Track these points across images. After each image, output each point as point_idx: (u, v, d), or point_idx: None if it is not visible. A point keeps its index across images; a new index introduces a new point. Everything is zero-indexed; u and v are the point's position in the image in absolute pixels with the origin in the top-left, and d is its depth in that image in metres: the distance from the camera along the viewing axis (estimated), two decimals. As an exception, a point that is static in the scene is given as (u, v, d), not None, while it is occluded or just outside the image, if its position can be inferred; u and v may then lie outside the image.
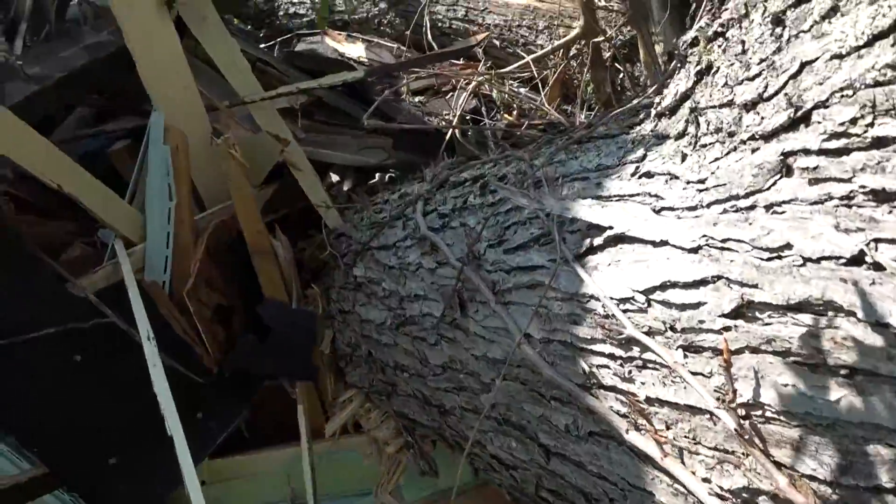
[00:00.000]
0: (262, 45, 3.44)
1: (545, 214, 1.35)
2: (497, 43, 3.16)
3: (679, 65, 1.33)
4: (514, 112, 2.80)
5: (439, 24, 3.28)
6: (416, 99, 2.94)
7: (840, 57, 0.83)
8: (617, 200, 1.21)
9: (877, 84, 0.78)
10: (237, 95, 2.52)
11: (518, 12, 3.10)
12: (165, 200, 2.26)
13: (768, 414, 0.90)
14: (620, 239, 1.15)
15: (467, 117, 2.77)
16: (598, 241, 1.20)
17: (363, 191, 2.71)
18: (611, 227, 1.17)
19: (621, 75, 2.77)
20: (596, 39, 2.68)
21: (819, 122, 0.84)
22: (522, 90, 2.90)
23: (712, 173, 1.03)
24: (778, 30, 0.96)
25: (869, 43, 0.80)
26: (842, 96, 0.82)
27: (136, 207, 2.34)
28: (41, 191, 2.22)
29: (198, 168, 2.40)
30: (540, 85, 2.84)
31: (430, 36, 3.04)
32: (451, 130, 2.61)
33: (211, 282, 2.37)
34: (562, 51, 2.78)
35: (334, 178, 2.78)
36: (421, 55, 2.75)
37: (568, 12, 3.01)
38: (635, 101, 1.46)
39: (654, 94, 1.45)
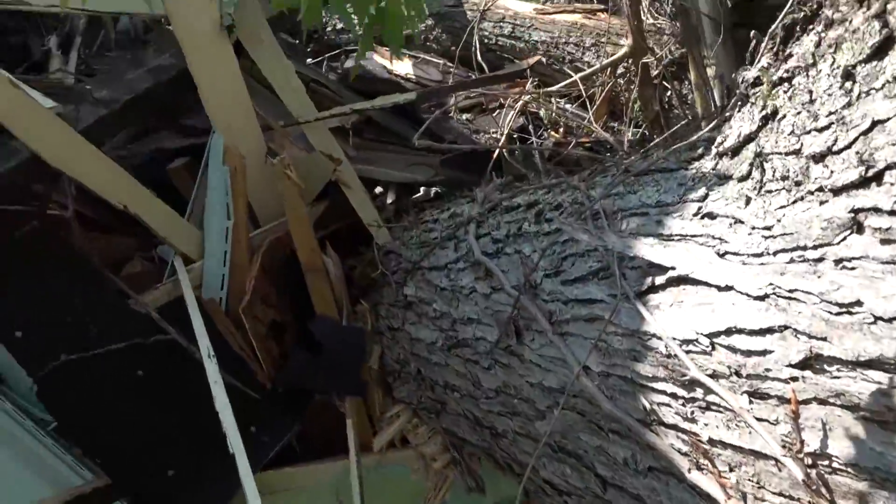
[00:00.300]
0: (309, 60, 3.50)
1: (604, 249, 1.37)
2: (544, 60, 3.18)
3: (740, 102, 1.34)
4: (562, 129, 2.82)
5: (486, 41, 3.31)
6: (464, 116, 2.98)
7: (914, 118, 0.85)
8: (679, 240, 1.23)
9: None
10: (291, 115, 2.58)
11: (565, 29, 3.12)
12: (223, 220, 2.33)
13: (836, 465, 0.91)
14: (684, 280, 1.17)
15: (514, 136, 2.79)
16: (659, 280, 1.22)
17: (412, 207, 2.75)
18: (673, 268, 1.19)
19: (669, 93, 2.78)
20: (644, 59, 2.69)
21: (892, 184, 0.85)
22: (569, 107, 2.92)
23: (778, 221, 1.05)
24: (848, 84, 0.97)
25: (944, 107, 0.81)
26: (916, 157, 0.83)
27: (194, 224, 2.42)
28: (101, 207, 2.30)
29: (253, 185, 2.46)
30: (587, 102, 2.86)
31: (478, 55, 3.07)
32: (498, 149, 2.64)
33: (265, 298, 2.43)
34: (609, 69, 2.80)
35: (378, 189, 2.84)
36: (470, 77, 2.78)
37: (615, 29, 3.02)
38: (694, 137, 1.47)
39: (713, 129, 1.46)
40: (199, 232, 2.37)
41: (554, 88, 2.85)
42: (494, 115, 2.98)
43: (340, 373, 2.45)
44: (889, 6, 0.93)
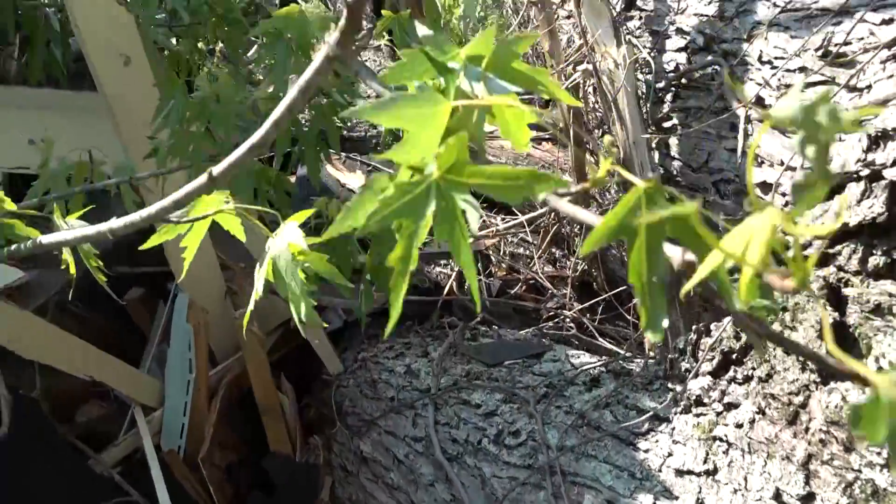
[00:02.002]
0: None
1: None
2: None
3: (687, 403, 1.54)
4: (505, 267, 2.99)
5: (436, 155, 3.43)
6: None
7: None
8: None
9: None
10: (250, 256, 2.65)
11: (512, 158, 3.28)
12: (185, 372, 2.40)
13: None
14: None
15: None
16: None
17: (361, 340, 2.87)
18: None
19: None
20: (587, 206, 2.88)
21: None
22: (514, 239, 3.10)
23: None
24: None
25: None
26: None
27: (150, 365, 2.48)
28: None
29: (211, 323, 2.53)
30: (531, 237, 3.04)
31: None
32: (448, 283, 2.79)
33: (223, 442, 2.52)
34: (553, 212, 2.98)
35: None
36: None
37: (560, 163, 3.20)
38: (645, 363, 1.67)
39: (669, 374, 1.65)
40: (159, 382, 2.43)
41: (502, 227, 3.01)
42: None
43: (294, 510, 2.57)
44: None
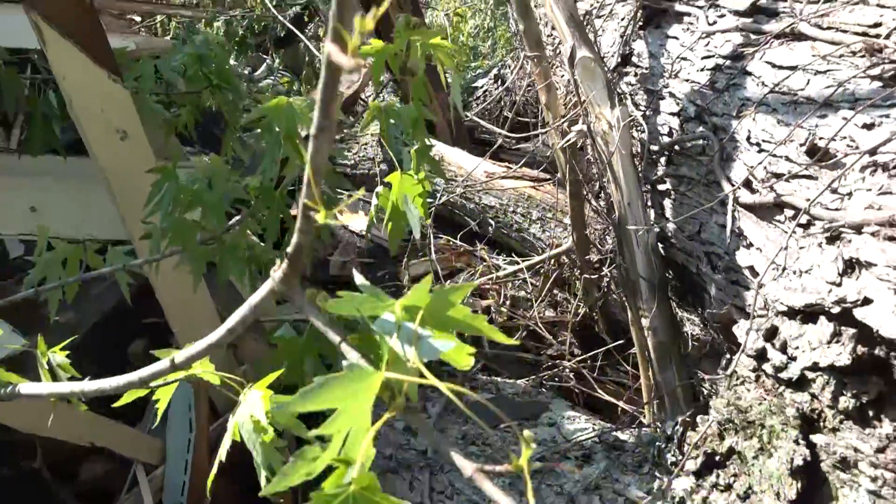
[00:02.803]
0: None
1: None
2: (492, 222, 3.35)
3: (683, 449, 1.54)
4: (505, 312, 3.00)
5: (437, 192, 3.45)
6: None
7: None
8: None
9: None
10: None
11: (513, 198, 3.28)
12: (186, 432, 2.44)
13: None
14: None
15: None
16: None
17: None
18: None
19: (608, 280, 2.99)
20: (586, 256, 2.89)
21: None
22: (513, 283, 3.10)
23: None
24: None
25: None
26: None
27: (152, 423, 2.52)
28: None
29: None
30: (530, 284, 3.04)
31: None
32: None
33: (224, 495, 2.55)
34: (553, 259, 2.99)
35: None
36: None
37: (561, 205, 3.20)
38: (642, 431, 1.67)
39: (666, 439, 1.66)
40: (160, 441, 2.47)
41: (501, 274, 3.02)
42: (446, 284, 3.14)
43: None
44: None
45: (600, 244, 2.94)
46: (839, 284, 1.18)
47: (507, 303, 3.10)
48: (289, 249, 0.65)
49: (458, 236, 3.40)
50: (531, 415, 2.32)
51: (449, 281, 3.19)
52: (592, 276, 2.95)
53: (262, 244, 1.88)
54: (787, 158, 1.60)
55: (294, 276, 0.67)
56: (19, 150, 2.17)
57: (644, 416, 2.48)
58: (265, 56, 7.40)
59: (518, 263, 3.02)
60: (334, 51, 0.47)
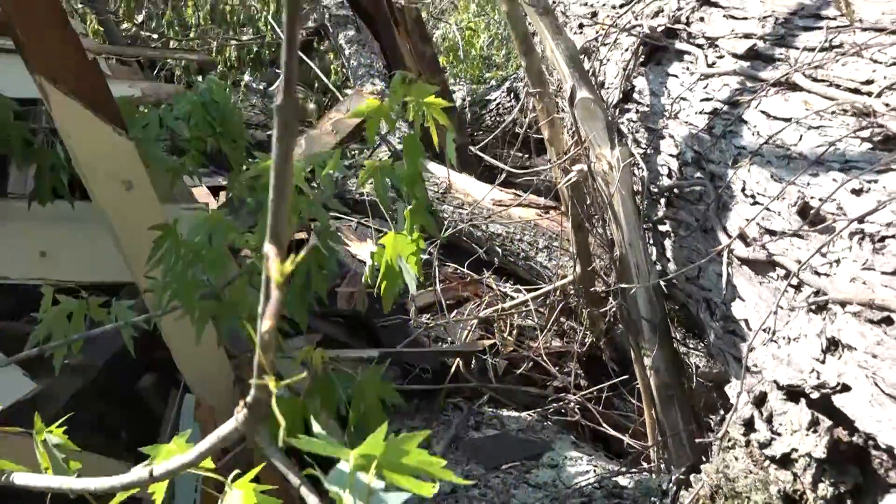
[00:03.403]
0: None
1: None
2: (499, 250, 3.36)
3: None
4: (512, 343, 3.02)
5: (445, 220, 3.47)
6: (423, 317, 3.15)
7: None
8: None
9: None
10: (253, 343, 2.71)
11: (520, 227, 3.29)
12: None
13: None
14: None
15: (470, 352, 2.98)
16: None
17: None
18: None
19: (614, 309, 2.99)
20: (591, 287, 2.89)
21: None
22: (521, 313, 3.12)
23: None
24: None
25: None
26: None
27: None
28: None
29: (220, 412, 2.60)
30: (536, 313, 3.05)
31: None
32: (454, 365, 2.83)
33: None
34: (559, 290, 3.00)
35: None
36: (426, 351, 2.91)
37: (566, 234, 3.21)
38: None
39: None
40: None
41: (507, 305, 3.04)
42: (453, 315, 3.16)
43: None
44: None
45: (606, 275, 2.94)
46: (823, 361, 1.18)
47: (514, 331, 3.11)
48: (248, 399, 0.68)
49: (466, 264, 3.42)
50: (534, 454, 2.34)
51: (455, 311, 3.21)
52: (597, 311, 2.96)
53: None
54: (780, 214, 1.60)
55: (255, 422, 0.69)
56: (29, 196, 2.22)
57: (649, 451, 2.49)
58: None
59: (524, 293, 3.03)
60: (272, 263, 0.49)
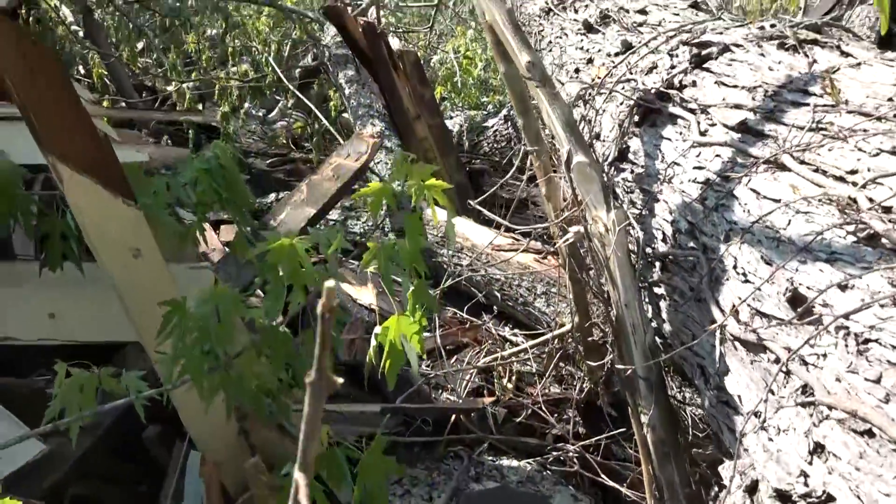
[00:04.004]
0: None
1: None
2: (498, 295, 3.42)
3: None
4: (511, 390, 3.07)
5: (444, 267, 3.53)
6: (423, 364, 3.20)
7: None
8: None
9: None
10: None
11: (518, 272, 3.35)
12: (199, 523, 2.52)
13: None
14: None
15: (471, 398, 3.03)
16: None
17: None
18: None
19: (613, 355, 3.04)
20: (588, 337, 2.95)
21: None
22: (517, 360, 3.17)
23: None
24: None
25: None
26: None
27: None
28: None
29: (225, 461, 2.65)
30: (534, 359, 3.11)
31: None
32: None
33: None
34: (557, 338, 3.05)
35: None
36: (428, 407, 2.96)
37: (564, 280, 3.26)
38: None
39: None
40: (176, 528, 2.56)
41: (505, 354, 3.09)
42: (452, 361, 3.22)
43: None
44: None
45: (604, 323, 3.00)
46: (810, 463, 1.23)
47: (514, 378, 3.16)
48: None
49: (465, 308, 3.48)
50: (533, 511, 2.39)
51: (455, 357, 3.27)
52: (595, 363, 3.01)
53: (270, 373, 1.96)
54: (770, 297, 1.66)
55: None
56: (40, 264, 2.27)
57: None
58: (279, 98, 7.54)
59: (523, 339, 3.09)
60: (301, 490, 0.55)
